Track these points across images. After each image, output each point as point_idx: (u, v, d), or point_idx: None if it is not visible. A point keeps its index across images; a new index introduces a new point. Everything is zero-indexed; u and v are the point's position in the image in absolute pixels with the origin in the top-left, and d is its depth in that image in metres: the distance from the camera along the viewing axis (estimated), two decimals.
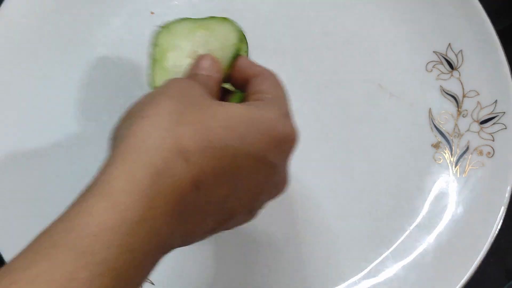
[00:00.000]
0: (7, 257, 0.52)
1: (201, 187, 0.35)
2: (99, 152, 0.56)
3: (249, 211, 0.42)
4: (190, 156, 0.35)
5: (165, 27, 0.56)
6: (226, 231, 0.42)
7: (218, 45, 0.55)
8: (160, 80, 0.55)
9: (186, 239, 0.38)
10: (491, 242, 0.53)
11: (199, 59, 0.47)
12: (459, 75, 0.58)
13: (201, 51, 0.53)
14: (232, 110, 0.38)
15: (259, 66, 0.46)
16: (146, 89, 0.58)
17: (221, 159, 0.36)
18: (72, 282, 0.29)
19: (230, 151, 0.37)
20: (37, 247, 0.31)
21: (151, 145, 0.34)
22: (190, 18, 0.55)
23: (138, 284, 0.33)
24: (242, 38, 0.54)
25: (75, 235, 0.31)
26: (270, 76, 0.44)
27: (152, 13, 0.61)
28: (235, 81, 0.47)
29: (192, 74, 0.46)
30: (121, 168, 0.33)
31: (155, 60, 0.55)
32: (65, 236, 0.31)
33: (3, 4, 0.57)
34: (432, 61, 0.59)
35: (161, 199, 0.33)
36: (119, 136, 0.36)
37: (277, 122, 0.39)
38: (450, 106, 0.58)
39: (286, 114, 0.41)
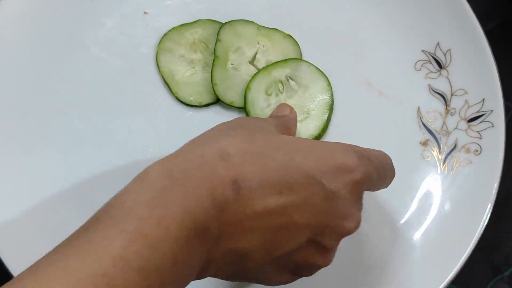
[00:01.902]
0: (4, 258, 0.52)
1: (242, 188, 0.36)
2: (92, 151, 0.57)
3: (314, 241, 0.40)
4: (231, 158, 0.37)
5: (229, 23, 0.58)
6: None
7: (277, 57, 0.58)
8: (218, 77, 0.57)
9: (239, 259, 0.38)
10: (478, 239, 0.53)
11: (279, 106, 0.53)
12: (447, 74, 0.59)
13: (261, 59, 0.56)
14: (294, 138, 0.41)
15: None
16: (139, 89, 0.59)
17: (268, 169, 0.37)
18: (108, 247, 0.32)
19: (278, 163, 0.37)
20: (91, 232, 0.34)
21: (194, 149, 0.38)
22: (254, 22, 0.58)
23: (181, 267, 0.35)
24: (299, 56, 0.59)
25: (117, 210, 0.35)
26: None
27: (145, 13, 0.62)
28: None
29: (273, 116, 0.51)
30: (164, 162, 0.38)
31: (216, 57, 0.58)
32: (108, 211, 0.35)
33: None
34: (420, 60, 0.60)
35: (194, 186, 0.35)
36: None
37: (338, 150, 0.40)
38: (439, 105, 0.59)
39: (353, 150, 0.41)
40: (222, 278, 0.41)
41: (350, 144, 0.42)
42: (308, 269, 0.42)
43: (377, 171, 0.42)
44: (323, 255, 0.41)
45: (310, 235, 0.39)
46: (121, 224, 0.33)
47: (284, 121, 0.49)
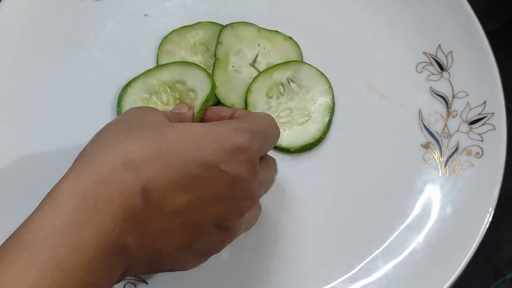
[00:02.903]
0: None
1: (152, 194, 0.37)
2: None
3: (219, 226, 0.41)
4: (137, 166, 0.37)
5: (230, 26, 0.58)
6: None
7: (278, 59, 0.58)
8: (219, 80, 0.57)
9: (155, 258, 0.39)
10: (479, 242, 0.53)
11: (177, 105, 0.54)
12: (449, 76, 0.59)
13: (262, 61, 0.56)
14: (184, 126, 0.41)
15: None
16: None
17: (173, 168, 0.38)
18: (23, 278, 0.32)
19: (181, 160, 0.38)
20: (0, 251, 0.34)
21: (98, 160, 0.37)
22: (254, 24, 0.58)
23: (99, 286, 0.35)
24: (300, 58, 0.58)
25: (30, 236, 0.34)
26: (250, 113, 0.48)
27: (146, 15, 0.62)
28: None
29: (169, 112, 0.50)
30: (71, 179, 0.37)
31: (217, 59, 0.57)
32: (21, 239, 0.34)
33: None
34: (422, 62, 0.60)
35: (105, 202, 0.35)
36: (79, 155, 0.40)
37: (229, 133, 0.41)
38: (440, 107, 0.59)
39: (244, 128, 0.42)
40: (136, 274, 0.41)
41: (239, 121, 0.44)
42: (217, 249, 0.43)
43: (266, 139, 0.44)
44: (229, 234, 0.43)
45: (217, 221, 0.40)
46: (35, 255, 0.33)
47: (180, 118, 0.50)
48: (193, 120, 0.53)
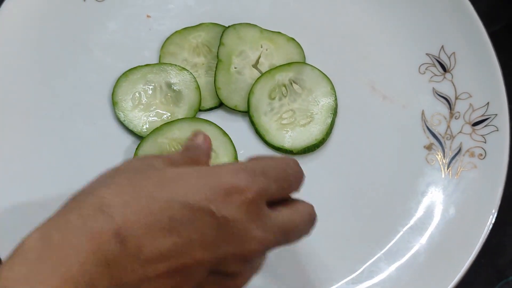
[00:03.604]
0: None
1: (128, 239, 0.34)
2: (96, 154, 0.57)
3: (217, 272, 0.38)
4: (110, 210, 0.35)
5: (233, 27, 0.58)
6: None
7: (281, 61, 0.58)
8: (221, 81, 0.57)
9: None
10: (482, 243, 0.53)
11: (193, 135, 0.47)
12: (452, 77, 0.59)
13: (264, 63, 0.56)
14: (177, 168, 0.39)
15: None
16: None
17: (151, 211, 0.35)
18: None
19: (160, 202, 0.35)
20: None
21: (71, 208, 0.36)
22: (257, 26, 0.58)
23: None
24: (303, 59, 0.58)
25: None
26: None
27: (148, 16, 0.62)
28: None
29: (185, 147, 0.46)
30: (41, 228, 0.35)
31: (220, 60, 0.57)
32: None
33: (0, 9, 0.58)
34: (425, 63, 0.60)
35: (73, 249, 0.33)
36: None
37: (224, 174, 0.38)
38: (443, 108, 0.59)
39: (242, 168, 0.39)
40: None
41: (241, 163, 0.41)
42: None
43: (275, 181, 0.40)
44: (233, 280, 0.40)
45: (211, 267, 0.37)
46: None
47: (192, 155, 0.44)
48: (210, 152, 0.46)
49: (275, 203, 0.40)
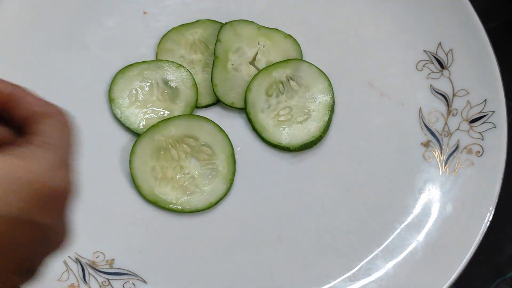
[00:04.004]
0: None
1: None
2: (91, 151, 0.57)
3: (25, 272, 0.35)
4: None
5: (230, 24, 0.58)
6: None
7: (278, 58, 0.58)
8: (218, 78, 0.57)
9: None
10: (479, 241, 0.53)
11: None
12: (449, 74, 0.59)
13: (261, 59, 0.56)
14: None
15: (47, 104, 0.38)
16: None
17: None
18: None
19: None
20: None
21: None
22: (254, 22, 0.58)
23: None
24: (300, 56, 0.58)
25: None
26: (56, 116, 0.37)
27: (145, 13, 0.61)
28: (17, 120, 0.37)
29: None
30: None
31: (217, 57, 0.57)
32: None
33: None
34: (422, 60, 0.60)
35: None
36: None
37: (44, 174, 0.33)
38: (440, 105, 0.59)
39: (61, 163, 0.35)
40: None
41: (57, 152, 0.35)
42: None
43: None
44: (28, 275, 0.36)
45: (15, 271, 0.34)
46: None
47: None
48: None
49: None
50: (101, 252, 0.54)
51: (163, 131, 0.56)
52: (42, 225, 0.33)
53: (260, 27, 0.60)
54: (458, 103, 0.58)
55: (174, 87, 0.58)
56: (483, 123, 0.57)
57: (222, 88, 0.58)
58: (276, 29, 0.60)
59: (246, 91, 0.57)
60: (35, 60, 0.58)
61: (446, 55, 0.59)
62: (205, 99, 0.59)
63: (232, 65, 0.59)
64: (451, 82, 0.59)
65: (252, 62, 0.59)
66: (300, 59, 0.59)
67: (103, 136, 0.58)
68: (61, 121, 0.37)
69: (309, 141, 0.57)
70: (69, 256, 0.53)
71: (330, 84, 0.58)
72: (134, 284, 0.53)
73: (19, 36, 0.58)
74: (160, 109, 0.57)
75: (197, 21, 0.60)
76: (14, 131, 0.37)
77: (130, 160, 0.55)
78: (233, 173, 0.56)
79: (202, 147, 0.56)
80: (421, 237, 0.55)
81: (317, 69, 0.58)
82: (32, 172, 0.32)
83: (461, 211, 0.55)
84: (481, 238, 0.53)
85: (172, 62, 0.58)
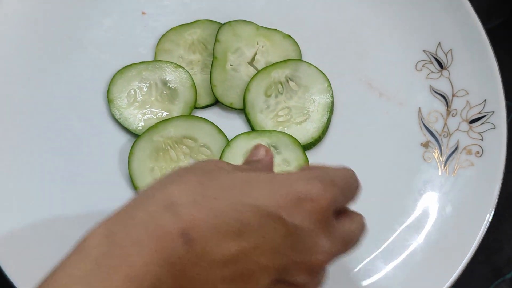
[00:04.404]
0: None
1: (195, 239, 0.33)
2: (90, 152, 0.57)
3: (281, 281, 0.37)
4: (177, 209, 0.33)
5: (228, 24, 0.58)
6: None
7: (277, 58, 0.58)
8: (217, 79, 0.57)
9: None
10: (479, 241, 0.53)
11: (254, 149, 0.45)
12: (449, 74, 0.59)
13: (260, 60, 0.56)
14: (248, 173, 0.38)
15: None
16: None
17: (221, 213, 0.34)
18: None
19: (231, 204, 0.34)
20: None
21: (138, 204, 0.35)
22: (253, 23, 0.57)
23: None
24: (299, 57, 0.58)
25: (55, 286, 0.32)
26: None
27: (143, 13, 0.61)
28: None
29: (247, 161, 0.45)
30: (105, 224, 0.34)
31: (215, 58, 0.57)
32: None
33: None
34: (421, 60, 0.60)
35: (137, 247, 0.33)
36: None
37: (296, 181, 0.37)
38: (440, 105, 0.58)
39: (315, 176, 0.37)
40: None
41: (312, 169, 0.39)
42: None
43: (342, 191, 0.39)
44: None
45: (275, 276, 0.36)
46: None
47: (256, 168, 0.43)
48: (272, 166, 0.45)
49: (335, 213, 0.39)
50: None
51: (162, 132, 0.56)
52: (294, 226, 0.35)
53: (259, 27, 0.59)
54: (457, 104, 0.58)
55: (172, 87, 0.58)
56: (483, 123, 0.57)
57: (221, 89, 0.58)
58: (275, 29, 0.60)
59: (245, 92, 0.57)
60: (33, 61, 0.58)
61: (446, 55, 0.59)
62: (204, 99, 0.58)
63: (231, 65, 0.58)
64: (451, 82, 0.59)
65: (251, 63, 0.59)
66: (299, 59, 0.59)
67: (102, 137, 0.57)
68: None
69: (308, 142, 0.56)
70: None
71: (329, 85, 0.58)
72: None
73: (16, 36, 0.58)
74: (158, 110, 0.57)
75: (196, 21, 0.60)
76: None
77: (128, 161, 0.55)
78: None
79: (201, 148, 0.56)
80: (420, 238, 0.55)
81: (316, 69, 0.58)
82: (285, 179, 0.37)
83: (460, 212, 0.55)
84: (481, 238, 0.53)
85: (171, 62, 0.58)
